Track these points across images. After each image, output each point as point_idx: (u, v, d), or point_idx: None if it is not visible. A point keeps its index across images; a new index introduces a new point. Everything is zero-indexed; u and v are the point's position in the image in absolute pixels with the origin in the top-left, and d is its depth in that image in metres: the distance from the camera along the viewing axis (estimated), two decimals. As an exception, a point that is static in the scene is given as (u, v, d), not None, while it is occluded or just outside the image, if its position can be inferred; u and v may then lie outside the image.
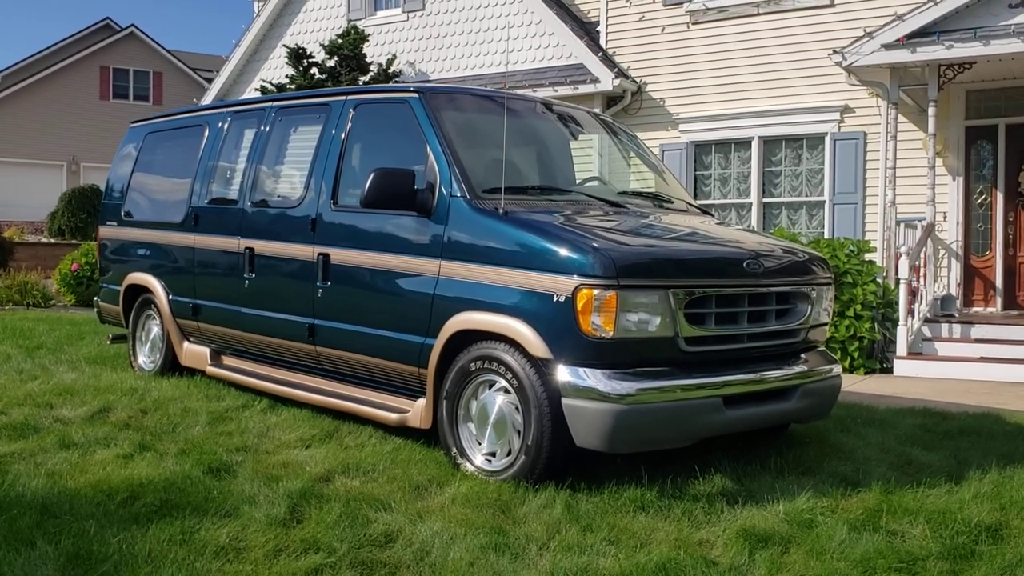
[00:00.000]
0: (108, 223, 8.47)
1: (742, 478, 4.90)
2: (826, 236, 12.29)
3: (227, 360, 7.15)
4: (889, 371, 10.02)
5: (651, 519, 4.26)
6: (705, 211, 6.44)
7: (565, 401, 4.56)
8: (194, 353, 7.37)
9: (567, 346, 4.56)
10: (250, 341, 6.75)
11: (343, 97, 6.23)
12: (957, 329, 10.41)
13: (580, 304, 4.48)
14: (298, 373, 6.42)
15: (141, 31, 35.95)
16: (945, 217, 11.98)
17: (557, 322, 4.57)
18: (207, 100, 17.71)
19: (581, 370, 4.54)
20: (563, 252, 4.62)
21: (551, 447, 4.61)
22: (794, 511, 4.32)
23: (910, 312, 10.19)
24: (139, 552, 3.70)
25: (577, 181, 6.64)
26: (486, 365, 4.89)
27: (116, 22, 37.00)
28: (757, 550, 3.88)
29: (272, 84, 15.68)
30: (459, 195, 5.16)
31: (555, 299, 4.57)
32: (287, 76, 15.71)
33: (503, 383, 4.83)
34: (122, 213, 8.25)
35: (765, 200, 13.18)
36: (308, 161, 6.26)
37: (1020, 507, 4.48)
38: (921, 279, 10.67)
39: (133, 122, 8.76)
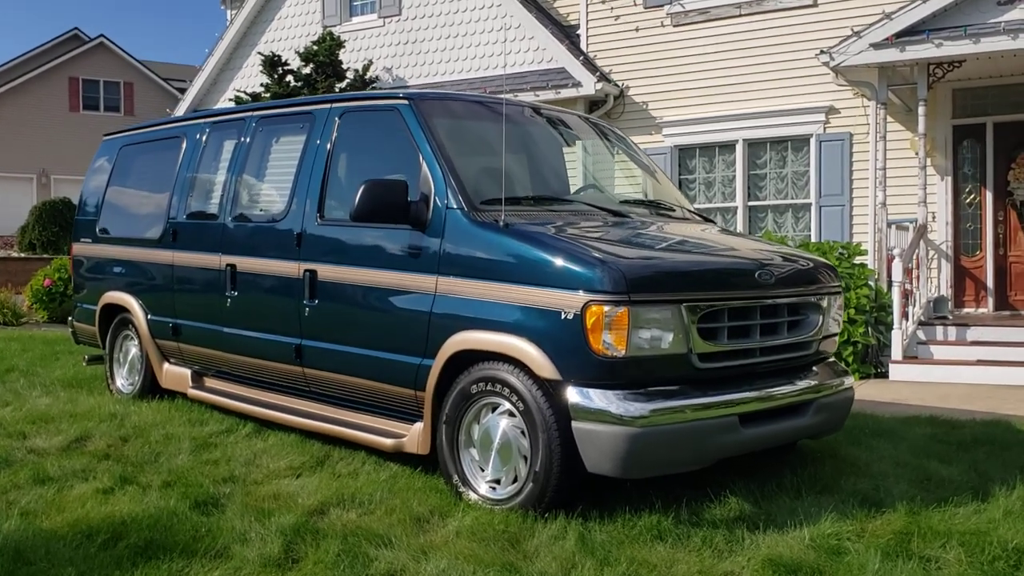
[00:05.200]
0: (82, 240, 8.13)
1: (759, 500, 4.67)
2: (813, 239, 12.13)
3: (209, 382, 6.85)
4: (884, 376, 9.85)
5: (670, 549, 4.01)
6: (707, 218, 6.22)
7: (575, 424, 4.30)
8: (175, 375, 7.06)
9: (576, 366, 4.30)
10: (233, 362, 6.45)
11: (328, 105, 5.96)
12: (952, 331, 10.25)
13: (590, 322, 4.22)
14: (285, 396, 6.13)
15: (111, 41, 35.40)
16: (934, 217, 11.84)
17: (565, 341, 4.31)
18: (180, 111, 17.35)
19: (591, 391, 4.29)
20: (571, 267, 4.36)
21: (560, 473, 4.35)
22: (820, 536, 4.09)
23: (904, 315, 10.03)
24: (124, 603, 3.42)
25: (571, 187, 6.40)
26: (489, 387, 4.62)
27: (85, 32, 36.43)
28: (787, 582, 3.65)
29: (247, 93, 15.36)
30: (456, 207, 4.90)
31: (563, 316, 4.32)
32: (262, 84, 15.39)
33: (507, 406, 4.57)
34: (97, 229, 7.92)
35: (750, 203, 13.01)
36: (291, 173, 5.98)
37: (1053, 525, 4.28)
38: (914, 281, 10.52)
39: (107, 135, 8.43)
